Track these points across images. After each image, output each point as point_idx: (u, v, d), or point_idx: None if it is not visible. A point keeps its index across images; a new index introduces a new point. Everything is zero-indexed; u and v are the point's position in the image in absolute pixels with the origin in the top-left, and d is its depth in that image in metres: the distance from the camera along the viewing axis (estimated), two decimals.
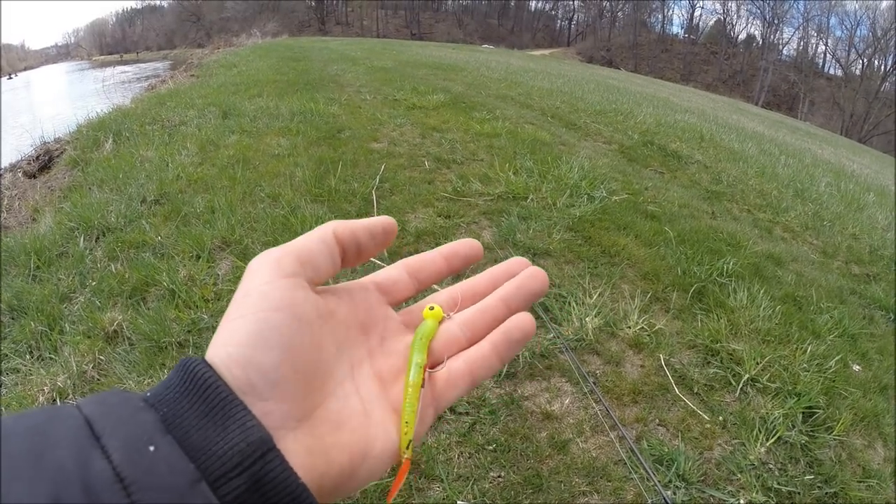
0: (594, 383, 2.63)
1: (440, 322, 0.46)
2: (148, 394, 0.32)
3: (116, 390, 0.32)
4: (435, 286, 0.49)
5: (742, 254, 4.20)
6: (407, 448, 0.39)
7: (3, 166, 7.40)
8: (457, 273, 0.49)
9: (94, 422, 0.28)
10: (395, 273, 0.47)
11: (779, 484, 2.27)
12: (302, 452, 0.34)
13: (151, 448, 0.28)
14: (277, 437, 0.33)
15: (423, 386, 0.41)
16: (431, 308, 0.46)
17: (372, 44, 28.36)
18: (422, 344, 0.43)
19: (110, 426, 0.28)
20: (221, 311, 2.90)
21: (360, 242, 0.43)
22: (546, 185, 4.83)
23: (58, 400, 2.46)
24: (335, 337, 0.40)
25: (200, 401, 0.31)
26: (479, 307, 0.47)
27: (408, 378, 0.41)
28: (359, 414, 0.39)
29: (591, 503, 2.10)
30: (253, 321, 0.35)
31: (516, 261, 0.49)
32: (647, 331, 3.04)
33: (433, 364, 0.44)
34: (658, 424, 2.50)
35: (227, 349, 0.34)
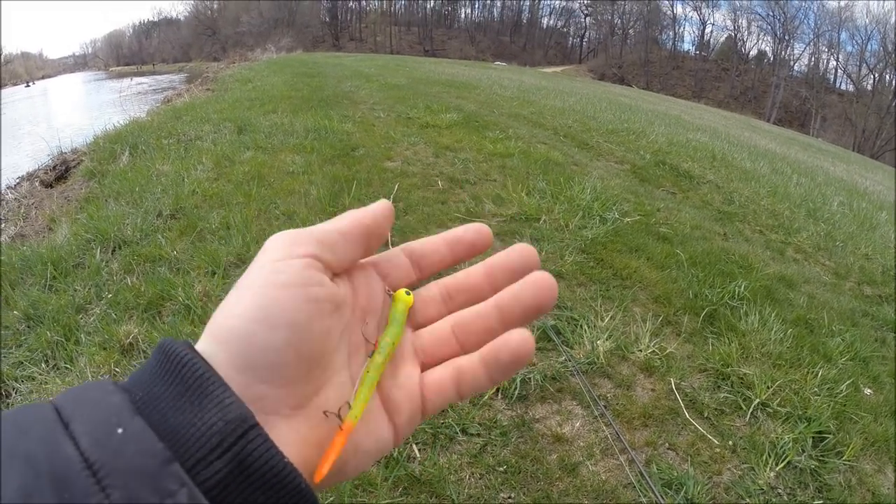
0: (605, 406, 2.65)
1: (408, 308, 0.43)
2: (126, 379, 0.32)
3: (92, 381, 0.31)
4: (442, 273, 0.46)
5: (754, 276, 4.21)
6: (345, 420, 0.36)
7: (21, 174, 7.49)
8: (462, 262, 0.45)
9: (63, 408, 0.28)
10: (395, 258, 0.45)
11: None
12: (296, 442, 0.34)
13: (119, 430, 0.27)
14: (270, 423, 0.32)
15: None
16: (408, 293, 0.44)
17: (385, 60, 28.57)
18: (397, 328, 0.42)
19: (79, 411, 0.28)
20: None
21: (373, 229, 0.42)
22: (559, 206, 4.87)
23: None
24: (341, 322, 0.39)
25: (177, 381, 0.30)
26: (475, 310, 0.43)
27: (374, 356, 0.40)
28: None
29: None
30: (261, 294, 0.34)
31: (519, 249, 0.44)
32: (658, 354, 3.06)
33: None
34: (668, 448, 2.51)
35: (229, 321, 0.34)
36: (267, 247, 0.37)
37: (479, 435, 2.42)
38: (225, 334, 0.33)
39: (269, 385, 0.33)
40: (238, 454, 0.29)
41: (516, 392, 2.65)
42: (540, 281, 0.41)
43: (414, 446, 2.35)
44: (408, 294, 0.44)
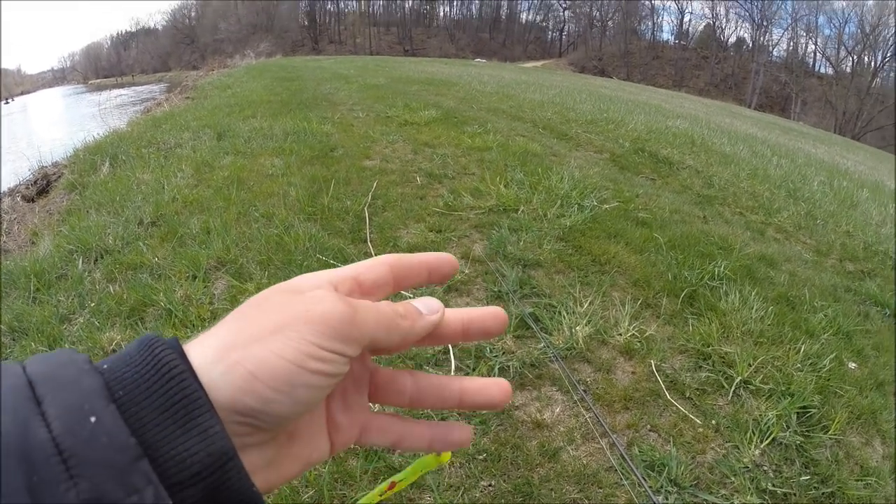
0: (584, 391, 2.65)
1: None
2: (104, 365, 0.30)
3: (66, 348, 0.31)
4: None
5: (734, 256, 4.23)
6: None
7: (1, 190, 7.44)
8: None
9: (37, 384, 0.27)
10: (380, 276, 0.42)
11: (774, 486, 2.28)
12: (263, 466, 0.35)
13: (92, 419, 0.26)
14: (245, 452, 0.32)
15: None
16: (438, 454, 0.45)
17: (365, 61, 28.53)
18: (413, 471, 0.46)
19: (52, 391, 0.27)
20: None
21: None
22: (537, 196, 4.88)
23: None
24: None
25: (162, 393, 0.29)
26: (439, 381, 0.44)
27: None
28: (307, 423, 0.39)
29: None
30: (287, 364, 0.33)
31: (494, 314, 0.44)
32: (637, 337, 3.06)
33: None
34: (650, 430, 2.51)
35: (245, 362, 0.32)
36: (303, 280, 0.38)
37: None
38: (235, 368, 0.32)
39: (251, 427, 0.33)
40: (214, 483, 0.29)
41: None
42: (502, 385, 0.42)
43: None
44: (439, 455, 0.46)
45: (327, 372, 0.34)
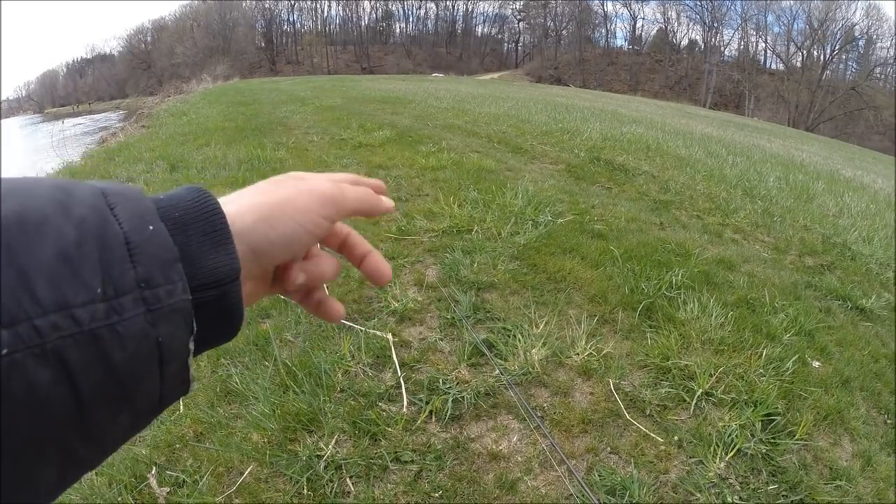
0: (541, 417, 2.60)
1: None
2: (160, 196, 0.41)
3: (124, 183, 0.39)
4: None
5: (691, 263, 4.23)
6: None
7: None
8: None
9: (108, 194, 0.35)
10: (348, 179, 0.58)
11: (740, 499, 2.25)
12: (245, 292, 0.44)
13: (150, 227, 0.36)
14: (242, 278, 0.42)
15: None
16: None
17: (322, 81, 28.48)
18: None
19: (121, 202, 0.36)
20: None
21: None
22: (490, 215, 4.84)
23: None
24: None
25: (205, 221, 0.40)
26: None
27: None
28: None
29: None
30: (294, 221, 0.47)
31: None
32: (595, 356, 3.01)
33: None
34: (610, 452, 2.47)
35: (262, 216, 0.46)
36: (319, 188, 0.51)
37: (412, 462, 2.34)
38: (259, 214, 0.45)
39: (253, 263, 0.45)
40: (224, 291, 0.40)
41: (449, 413, 2.58)
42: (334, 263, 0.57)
43: (348, 480, 2.26)
44: None
45: (317, 234, 0.49)
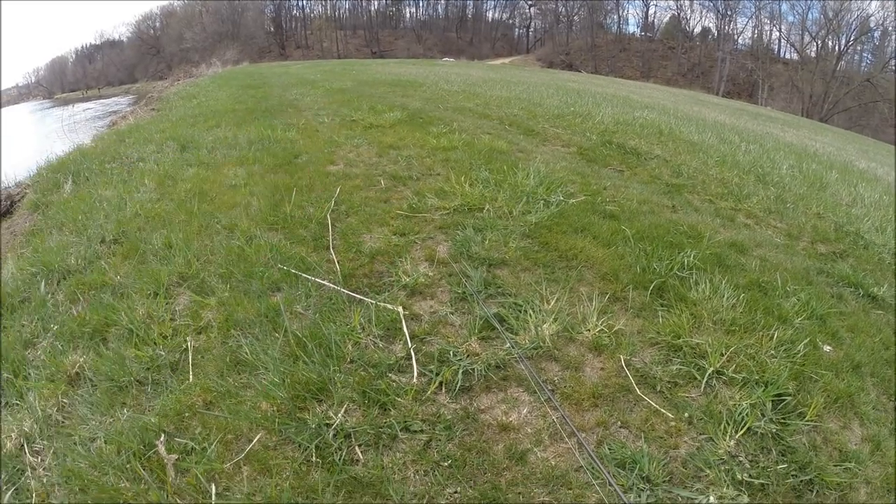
0: (551, 390, 2.59)
1: None
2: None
3: None
4: None
5: (703, 245, 4.19)
6: None
7: None
8: None
9: None
10: None
11: (750, 476, 2.23)
12: None
13: None
14: None
15: None
16: None
17: (332, 65, 28.43)
18: None
19: None
20: (179, 348, 2.87)
21: None
22: (502, 194, 4.82)
23: (25, 446, 2.41)
24: None
25: None
26: None
27: None
28: None
29: None
30: None
31: None
32: (606, 332, 3.00)
33: None
34: (620, 427, 2.46)
35: None
36: None
37: (422, 431, 2.35)
38: None
39: None
40: None
41: (459, 384, 2.58)
42: None
43: (357, 448, 2.27)
44: None
45: None
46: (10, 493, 2.20)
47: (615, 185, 5.67)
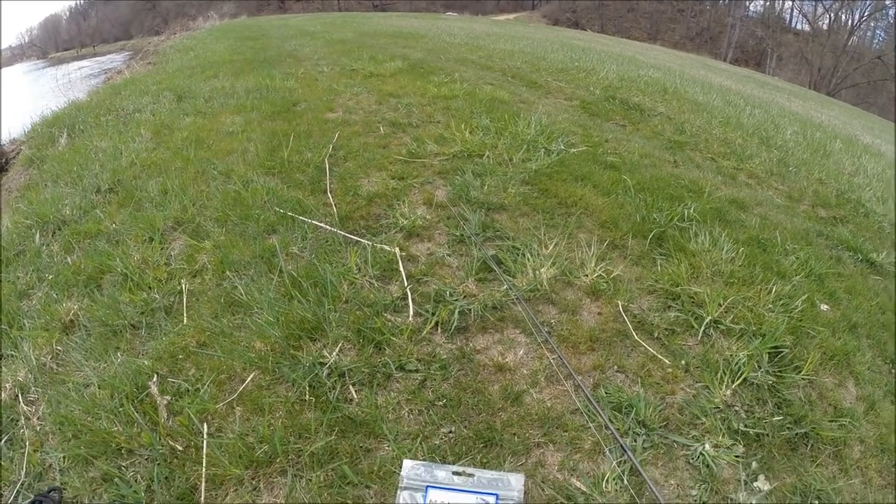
0: (549, 332, 2.56)
1: None
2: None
3: None
4: None
5: (704, 199, 4.14)
6: None
7: None
8: None
9: None
10: None
11: (746, 426, 2.21)
12: None
13: None
14: None
15: None
16: None
17: (333, 18, 28.02)
18: None
19: None
20: (174, 291, 2.84)
21: None
22: (502, 141, 4.74)
23: (19, 395, 2.40)
24: None
25: None
26: None
27: None
28: None
29: (546, 454, 2.04)
30: None
31: None
32: (604, 278, 2.97)
33: None
34: (617, 371, 2.44)
35: None
36: None
37: (417, 371, 2.32)
38: None
39: None
40: None
41: (455, 324, 2.55)
42: None
43: (351, 387, 2.25)
44: None
45: None
46: (3, 443, 2.19)
47: (617, 138, 5.59)
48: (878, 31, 62.68)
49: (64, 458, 2.06)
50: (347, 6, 76.55)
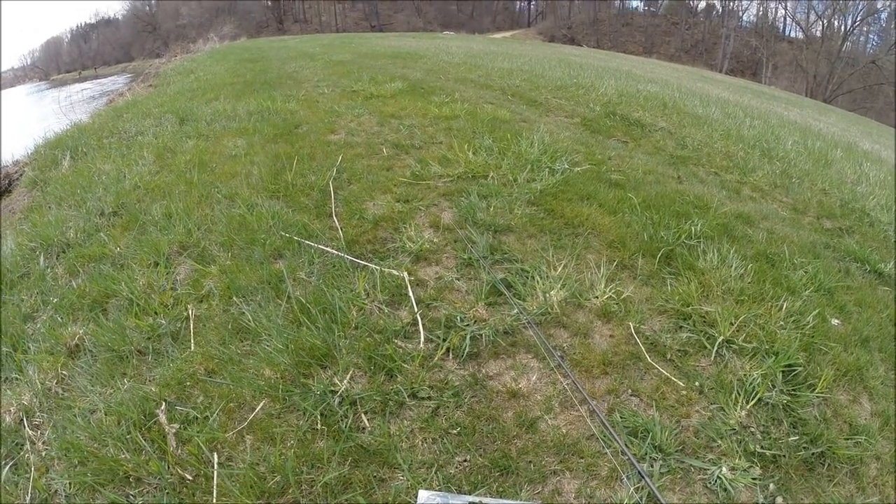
0: (561, 357, 2.54)
1: None
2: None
3: None
4: None
5: (710, 215, 4.13)
6: None
7: None
8: None
9: None
10: None
11: (762, 448, 2.19)
12: None
13: None
14: None
15: None
16: None
17: (331, 39, 28.18)
18: None
19: None
20: (180, 317, 2.81)
21: None
22: (506, 162, 4.74)
23: (24, 419, 2.38)
24: None
25: None
26: None
27: None
28: None
29: (563, 482, 2.01)
30: None
31: None
32: (614, 299, 2.95)
33: None
34: (631, 395, 2.42)
35: None
36: None
37: (430, 398, 2.30)
38: None
39: None
40: None
41: (466, 350, 2.53)
42: None
43: (363, 415, 2.22)
44: None
45: None
46: (7, 467, 2.17)
47: (619, 155, 5.59)
48: (871, 36, 62.94)
49: (70, 484, 2.03)
50: (345, 26, 77.13)
